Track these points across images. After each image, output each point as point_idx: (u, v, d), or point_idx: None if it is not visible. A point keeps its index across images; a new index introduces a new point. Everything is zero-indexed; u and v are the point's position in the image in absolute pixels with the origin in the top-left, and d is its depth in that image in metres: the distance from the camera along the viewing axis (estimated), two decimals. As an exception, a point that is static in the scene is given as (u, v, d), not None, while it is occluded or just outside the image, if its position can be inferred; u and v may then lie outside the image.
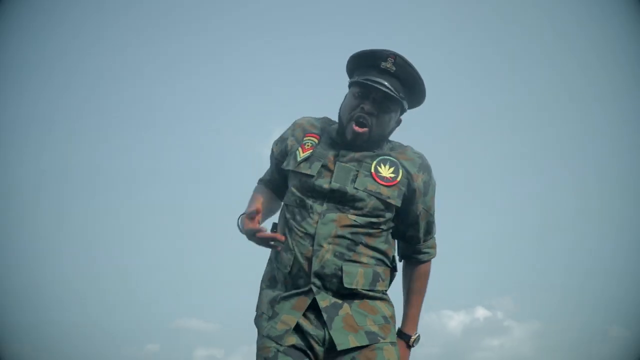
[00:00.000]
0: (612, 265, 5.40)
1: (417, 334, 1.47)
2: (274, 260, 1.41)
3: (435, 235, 1.51)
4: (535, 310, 6.22)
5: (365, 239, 1.35)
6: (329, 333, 1.27)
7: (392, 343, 1.33)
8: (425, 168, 1.43)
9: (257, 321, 1.37)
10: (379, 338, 1.30)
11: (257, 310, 1.40)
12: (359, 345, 1.27)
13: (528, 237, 6.08)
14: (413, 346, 1.47)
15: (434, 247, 1.51)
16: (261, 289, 1.42)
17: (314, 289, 1.29)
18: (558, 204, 6.24)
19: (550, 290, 5.87)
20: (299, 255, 1.31)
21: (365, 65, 1.38)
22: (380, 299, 1.36)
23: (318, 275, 1.29)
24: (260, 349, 1.31)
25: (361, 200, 1.34)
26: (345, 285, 1.30)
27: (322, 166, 1.37)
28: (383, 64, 1.35)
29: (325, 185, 1.33)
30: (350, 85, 1.41)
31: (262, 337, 1.32)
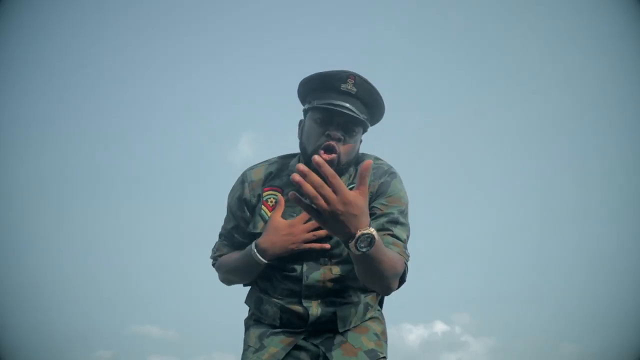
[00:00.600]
0: (565, 282, 5.57)
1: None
2: (255, 310, 1.36)
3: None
4: (491, 325, 6.34)
5: (350, 283, 1.31)
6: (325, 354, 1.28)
7: (384, 358, 1.33)
8: (380, 175, 1.32)
9: (243, 355, 1.34)
10: (378, 353, 1.30)
11: (244, 345, 1.37)
12: None
13: (486, 252, 6.20)
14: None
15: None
16: (248, 326, 1.39)
17: (307, 335, 1.30)
18: (514, 217, 6.39)
19: (506, 307, 6.00)
20: (287, 309, 1.30)
21: (323, 88, 1.28)
22: (370, 319, 1.37)
23: (313, 325, 1.29)
24: None
25: (337, 246, 1.26)
26: (340, 330, 1.29)
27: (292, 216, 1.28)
28: (343, 85, 1.27)
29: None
30: (308, 110, 1.29)
31: None
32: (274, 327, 1.33)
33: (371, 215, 1.25)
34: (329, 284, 1.28)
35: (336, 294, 1.31)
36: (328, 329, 1.29)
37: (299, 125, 1.33)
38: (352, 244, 0.94)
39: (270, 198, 1.32)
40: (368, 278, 1.14)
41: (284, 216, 1.26)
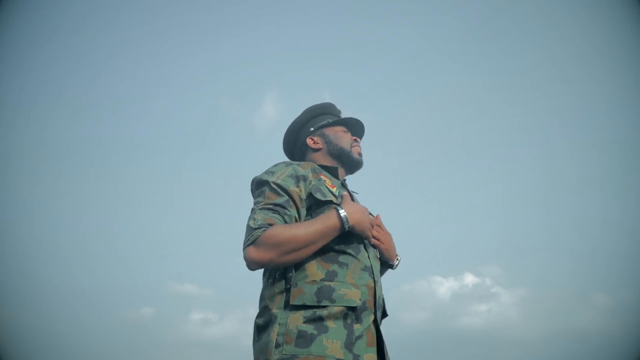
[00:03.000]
0: (596, 233, 5.51)
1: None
2: (319, 300, 1.28)
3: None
4: (521, 277, 6.37)
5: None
6: None
7: None
8: None
9: None
10: None
11: (321, 358, 1.23)
12: None
13: (516, 206, 6.16)
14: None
15: None
16: (308, 336, 1.24)
17: (378, 318, 1.34)
18: (544, 174, 6.31)
19: (536, 258, 6.00)
20: (365, 289, 1.34)
21: (329, 113, 1.69)
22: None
23: (379, 306, 1.37)
24: None
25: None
26: (387, 313, 1.44)
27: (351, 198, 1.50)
28: (340, 114, 1.71)
29: None
30: (331, 124, 1.66)
31: None
32: (345, 317, 1.28)
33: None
34: (378, 264, 1.45)
35: (381, 279, 1.44)
36: (380, 318, 1.38)
37: (311, 140, 1.64)
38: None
39: (327, 181, 1.47)
40: None
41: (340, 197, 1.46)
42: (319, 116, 1.67)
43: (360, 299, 1.30)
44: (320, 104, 1.69)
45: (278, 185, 1.39)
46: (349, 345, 1.24)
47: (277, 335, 1.25)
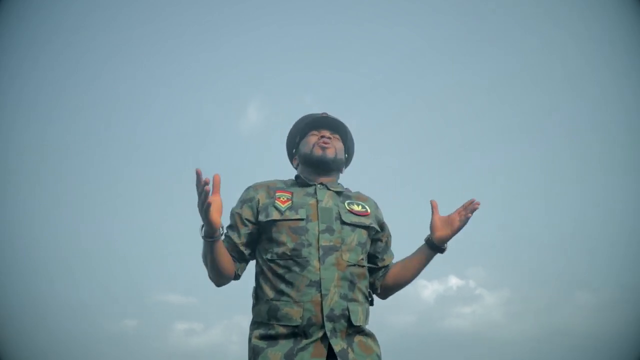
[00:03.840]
0: (578, 232, 5.58)
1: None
2: (269, 319, 1.39)
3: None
4: (505, 278, 6.42)
5: (357, 279, 1.46)
6: None
7: None
8: (378, 206, 1.67)
9: None
10: None
11: None
12: None
13: (499, 207, 6.21)
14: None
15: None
16: (259, 350, 1.37)
17: (328, 333, 1.33)
18: (526, 173, 6.37)
19: (519, 259, 6.05)
20: (308, 305, 1.35)
21: (304, 124, 1.69)
22: (371, 335, 1.46)
23: (329, 319, 1.35)
24: None
25: (348, 235, 1.48)
26: (354, 323, 1.39)
27: (306, 212, 1.48)
28: (317, 116, 1.67)
29: (316, 229, 1.43)
30: (300, 140, 1.68)
31: None
32: (295, 335, 1.34)
33: (387, 239, 1.68)
34: (342, 271, 1.41)
35: (348, 287, 1.42)
36: (343, 329, 1.37)
37: (295, 161, 1.70)
38: (446, 243, 1.58)
39: (282, 197, 1.52)
40: (414, 276, 1.61)
41: (294, 209, 1.49)
42: (296, 134, 1.72)
43: (301, 317, 1.34)
44: (294, 124, 1.73)
45: (231, 212, 1.57)
46: (289, 355, 1.32)
47: (248, 349, 1.41)
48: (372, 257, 1.62)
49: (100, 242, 6.05)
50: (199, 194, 1.29)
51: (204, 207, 1.30)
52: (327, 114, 1.66)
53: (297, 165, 1.71)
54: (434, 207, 1.62)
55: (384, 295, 1.62)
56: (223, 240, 1.48)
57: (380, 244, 1.65)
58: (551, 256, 5.72)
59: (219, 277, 1.49)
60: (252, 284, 1.52)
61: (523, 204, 6.20)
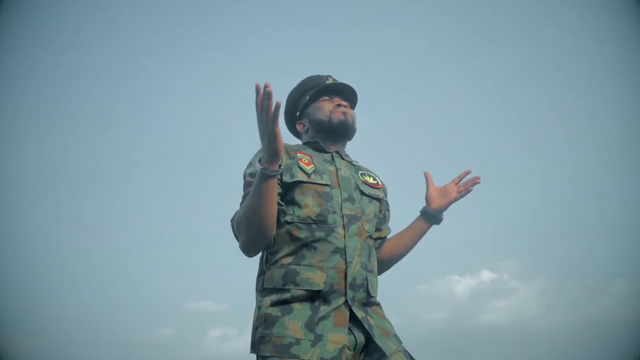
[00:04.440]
0: (612, 220, 5.46)
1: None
2: (284, 283, 1.30)
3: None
4: (539, 269, 6.31)
5: (373, 251, 1.44)
6: (356, 337, 1.30)
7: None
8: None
9: (286, 350, 1.23)
10: (400, 341, 1.36)
11: (276, 341, 1.25)
12: (394, 349, 1.31)
13: (528, 199, 6.12)
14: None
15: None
16: (272, 319, 1.27)
17: (349, 301, 1.30)
18: (555, 164, 6.27)
19: (553, 248, 5.94)
20: (331, 271, 1.30)
21: (313, 86, 1.59)
22: (379, 304, 1.43)
23: (352, 287, 1.31)
24: None
25: (367, 206, 1.45)
26: (371, 293, 1.36)
27: (331, 173, 1.43)
28: (326, 81, 1.59)
29: (339, 197, 1.39)
30: (309, 102, 1.57)
31: None
32: (312, 299, 1.28)
33: (388, 213, 1.61)
34: (363, 241, 1.38)
35: (367, 257, 1.39)
36: (361, 299, 1.34)
37: (300, 125, 1.61)
38: (442, 214, 1.59)
39: (304, 158, 1.44)
40: (409, 249, 1.59)
41: (319, 174, 1.42)
42: (302, 97, 1.61)
43: (324, 283, 1.29)
44: (300, 83, 1.62)
45: (249, 174, 1.40)
46: (310, 325, 1.25)
47: (255, 318, 1.31)
48: None
49: (133, 252, 6.17)
50: (261, 110, 1.17)
51: (269, 125, 1.17)
52: (332, 77, 1.60)
53: (306, 130, 1.60)
54: (428, 179, 1.62)
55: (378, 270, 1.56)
56: None
57: (380, 215, 1.58)
58: (586, 244, 5.61)
59: (263, 234, 1.30)
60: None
61: (554, 193, 6.10)
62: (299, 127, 1.62)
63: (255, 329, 1.31)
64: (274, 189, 1.26)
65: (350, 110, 1.55)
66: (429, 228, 1.60)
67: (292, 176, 1.38)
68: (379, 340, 1.29)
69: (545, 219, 5.88)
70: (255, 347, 1.29)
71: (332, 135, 1.53)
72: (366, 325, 1.31)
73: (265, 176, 1.23)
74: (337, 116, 1.52)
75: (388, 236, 1.62)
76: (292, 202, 1.36)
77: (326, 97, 1.57)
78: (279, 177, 1.32)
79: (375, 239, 1.51)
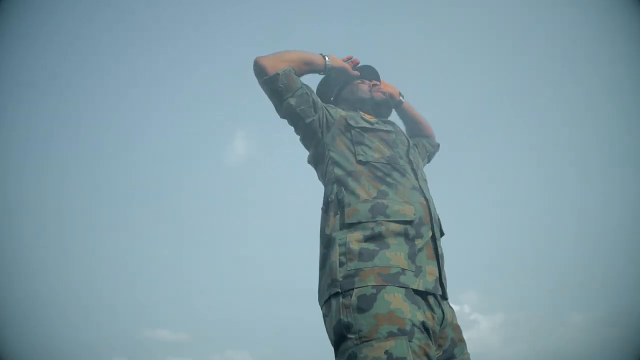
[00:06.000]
0: (569, 255, 5.60)
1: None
2: (374, 216, 1.31)
3: None
4: (498, 301, 6.38)
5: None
6: (443, 309, 1.30)
7: None
8: None
9: (394, 278, 1.23)
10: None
11: (381, 271, 1.24)
12: (447, 297, 1.34)
13: (489, 233, 6.23)
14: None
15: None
16: (369, 253, 1.27)
17: (436, 234, 1.36)
18: (515, 195, 6.41)
19: (512, 282, 6.03)
20: (417, 205, 1.37)
21: (335, 77, 1.68)
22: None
23: (435, 221, 1.38)
24: (392, 314, 1.18)
25: (418, 154, 1.60)
26: (443, 232, 1.44)
27: (393, 127, 1.57)
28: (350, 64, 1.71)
29: (404, 145, 1.53)
30: (346, 81, 1.70)
31: (409, 294, 1.22)
32: (406, 234, 1.30)
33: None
34: (427, 185, 1.50)
35: (433, 200, 1.47)
36: (438, 236, 1.39)
37: (330, 100, 1.70)
38: (402, 99, 1.79)
39: (365, 115, 1.58)
40: (421, 122, 1.82)
41: (380, 124, 1.56)
42: (329, 88, 1.72)
43: (414, 214, 1.33)
44: (322, 80, 1.71)
45: (319, 102, 1.55)
46: (412, 256, 1.28)
47: (340, 255, 1.28)
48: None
49: (83, 280, 5.93)
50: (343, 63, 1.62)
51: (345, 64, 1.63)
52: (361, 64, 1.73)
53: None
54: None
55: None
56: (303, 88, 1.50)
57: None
58: (544, 277, 5.72)
59: (298, 68, 1.52)
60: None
61: (514, 226, 6.23)
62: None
63: (341, 264, 1.27)
64: (315, 66, 1.57)
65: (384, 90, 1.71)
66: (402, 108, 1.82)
67: (357, 122, 1.50)
68: (444, 282, 1.34)
69: (504, 252, 5.99)
70: (343, 285, 1.24)
71: (375, 112, 1.64)
72: (440, 262, 1.34)
73: (323, 64, 1.57)
74: (377, 95, 1.67)
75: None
76: (361, 144, 1.45)
77: (359, 80, 1.69)
78: (345, 118, 1.52)
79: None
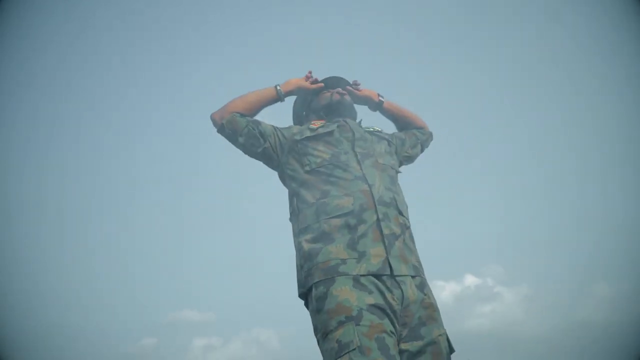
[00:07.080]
0: (595, 225, 5.52)
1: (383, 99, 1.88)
2: (317, 217, 1.43)
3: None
4: (523, 274, 6.35)
5: (395, 180, 1.59)
6: (402, 288, 1.35)
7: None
8: None
9: (334, 270, 1.34)
10: (420, 272, 1.44)
11: (323, 266, 1.36)
12: (407, 274, 1.39)
13: (513, 203, 6.17)
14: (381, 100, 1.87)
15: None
16: (315, 251, 1.39)
17: (380, 216, 1.41)
18: (540, 169, 6.34)
19: (536, 253, 5.99)
20: (357, 194, 1.44)
21: (305, 95, 1.81)
22: (412, 240, 1.51)
23: (380, 203, 1.44)
24: (339, 305, 1.29)
25: (377, 144, 1.64)
26: (402, 213, 1.48)
27: (337, 126, 1.64)
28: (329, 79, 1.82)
29: (350, 138, 1.59)
30: (312, 99, 1.82)
31: (357, 282, 1.31)
32: (348, 226, 1.39)
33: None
34: (380, 168, 1.55)
35: (390, 182, 1.54)
36: (393, 217, 1.44)
37: (303, 116, 1.84)
38: (380, 99, 1.83)
39: (315, 123, 1.68)
40: (407, 116, 1.86)
41: (325, 127, 1.64)
42: (302, 105, 1.85)
43: (352, 204, 1.42)
44: (296, 100, 1.87)
45: (268, 127, 1.68)
46: (351, 244, 1.37)
47: (299, 259, 1.44)
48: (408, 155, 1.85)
49: (113, 264, 6.08)
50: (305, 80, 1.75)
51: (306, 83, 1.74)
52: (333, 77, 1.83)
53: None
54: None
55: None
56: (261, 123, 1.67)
57: (392, 149, 1.77)
58: (569, 250, 5.67)
59: (238, 106, 1.66)
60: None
61: (540, 199, 6.17)
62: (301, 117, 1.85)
63: (300, 269, 1.44)
64: (267, 99, 1.71)
65: (345, 92, 1.80)
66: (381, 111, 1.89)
67: (302, 134, 1.61)
68: (392, 260, 1.37)
69: (530, 225, 5.94)
70: (304, 285, 1.39)
71: (337, 113, 1.74)
72: (386, 242, 1.38)
73: (275, 94, 1.70)
74: (335, 97, 1.77)
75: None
76: (308, 154, 1.55)
77: (325, 91, 1.81)
78: (283, 136, 1.64)
79: (406, 157, 1.78)
